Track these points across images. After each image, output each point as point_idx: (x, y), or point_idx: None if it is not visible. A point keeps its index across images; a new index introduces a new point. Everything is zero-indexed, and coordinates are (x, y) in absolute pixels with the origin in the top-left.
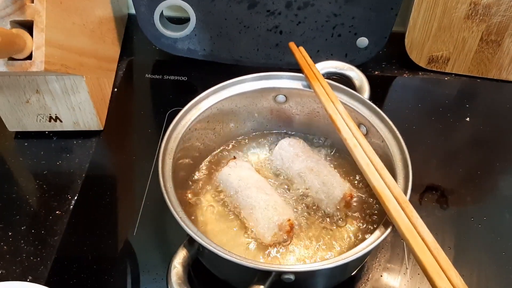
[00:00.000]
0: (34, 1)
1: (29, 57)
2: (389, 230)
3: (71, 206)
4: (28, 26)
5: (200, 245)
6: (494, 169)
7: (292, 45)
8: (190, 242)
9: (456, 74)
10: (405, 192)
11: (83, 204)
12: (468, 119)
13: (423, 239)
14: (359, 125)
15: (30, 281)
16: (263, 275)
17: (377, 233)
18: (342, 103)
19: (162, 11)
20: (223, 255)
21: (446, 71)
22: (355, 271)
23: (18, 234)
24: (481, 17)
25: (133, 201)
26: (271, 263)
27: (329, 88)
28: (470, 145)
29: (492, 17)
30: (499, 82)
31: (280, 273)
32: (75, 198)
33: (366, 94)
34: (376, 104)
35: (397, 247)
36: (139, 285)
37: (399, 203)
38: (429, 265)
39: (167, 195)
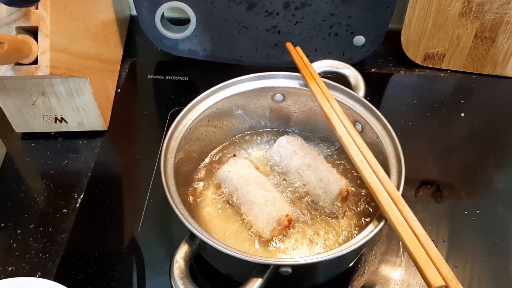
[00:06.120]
0: (39, 8)
1: (35, 61)
2: (382, 223)
3: (78, 205)
4: (33, 32)
5: (201, 240)
6: (488, 164)
7: (289, 45)
8: (192, 238)
9: (451, 71)
10: (398, 187)
11: (89, 202)
12: (463, 114)
13: (414, 232)
14: (354, 122)
15: (39, 277)
16: (261, 268)
17: (370, 226)
18: (338, 101)
19: (163, 13)
20: (223, 249)
21: (442, 68)
22: (351, 263)
23: (27, 232)
24: (475, 15)
25: (137, 198)
26: (269, 257)
27: (324, 87)
28: (465, 140)
29: (486, 14)
30: (493, 77)
31: (277, 266)
32: (81, 196)
33: (361, 92)
34: (373, 101)
35: (392, 240)
36: (144, 280)
37: (391, 198)
38: (420, 257)
39: (169, 193)
